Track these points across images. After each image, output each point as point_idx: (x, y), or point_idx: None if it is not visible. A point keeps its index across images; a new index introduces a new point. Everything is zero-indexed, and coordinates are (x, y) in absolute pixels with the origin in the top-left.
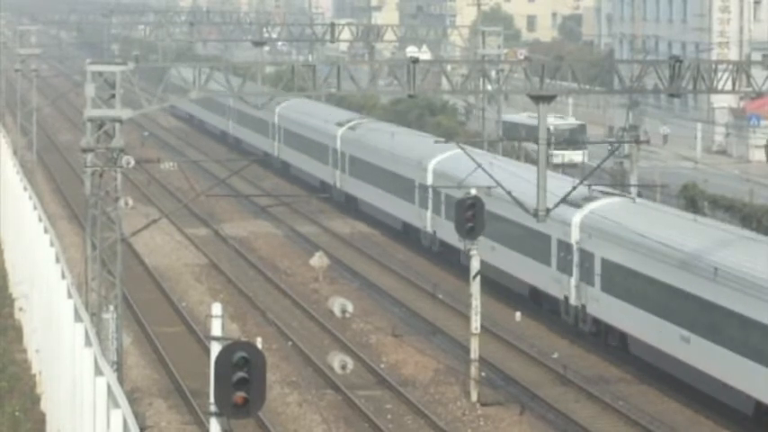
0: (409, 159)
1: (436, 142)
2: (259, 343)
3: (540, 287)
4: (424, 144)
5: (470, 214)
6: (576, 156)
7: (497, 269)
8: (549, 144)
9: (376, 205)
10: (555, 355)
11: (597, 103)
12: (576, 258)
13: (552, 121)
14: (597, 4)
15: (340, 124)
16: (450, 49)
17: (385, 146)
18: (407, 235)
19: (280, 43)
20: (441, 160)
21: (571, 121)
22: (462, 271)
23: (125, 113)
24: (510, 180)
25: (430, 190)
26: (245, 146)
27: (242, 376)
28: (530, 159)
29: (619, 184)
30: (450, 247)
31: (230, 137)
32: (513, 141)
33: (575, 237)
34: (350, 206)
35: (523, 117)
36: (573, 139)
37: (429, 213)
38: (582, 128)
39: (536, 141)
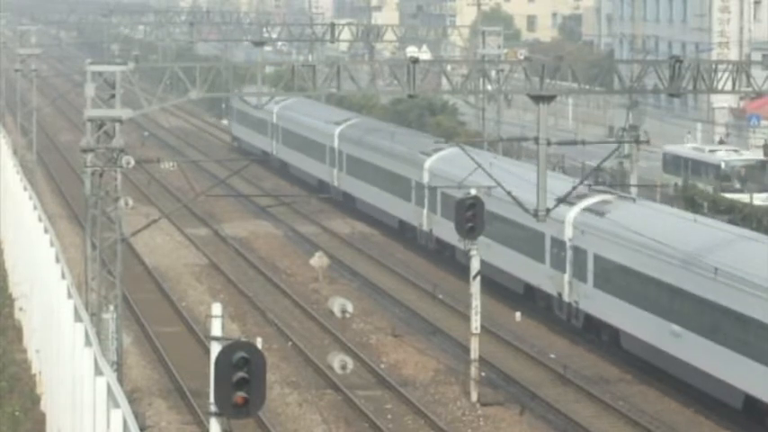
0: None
1: (436, 142)
2: (259, 343)
3: None
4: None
5: (470, 214)
6: (758, 200)
7: None
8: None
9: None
10: (552, 356)
11: (597, 103)
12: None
13: (723, 155)
14: (597, 4)
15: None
16: (450, 49)
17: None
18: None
19: (280, 43)
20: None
21: (747, 155)
22: (458, 268)
23: (125, 113)
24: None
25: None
26: (363, 206)
27: (242, 376)
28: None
29: (619, 184)
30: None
31: (334, 189)
32: (514, 141)
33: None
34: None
35: (687, 149)
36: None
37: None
38: (762, 164)
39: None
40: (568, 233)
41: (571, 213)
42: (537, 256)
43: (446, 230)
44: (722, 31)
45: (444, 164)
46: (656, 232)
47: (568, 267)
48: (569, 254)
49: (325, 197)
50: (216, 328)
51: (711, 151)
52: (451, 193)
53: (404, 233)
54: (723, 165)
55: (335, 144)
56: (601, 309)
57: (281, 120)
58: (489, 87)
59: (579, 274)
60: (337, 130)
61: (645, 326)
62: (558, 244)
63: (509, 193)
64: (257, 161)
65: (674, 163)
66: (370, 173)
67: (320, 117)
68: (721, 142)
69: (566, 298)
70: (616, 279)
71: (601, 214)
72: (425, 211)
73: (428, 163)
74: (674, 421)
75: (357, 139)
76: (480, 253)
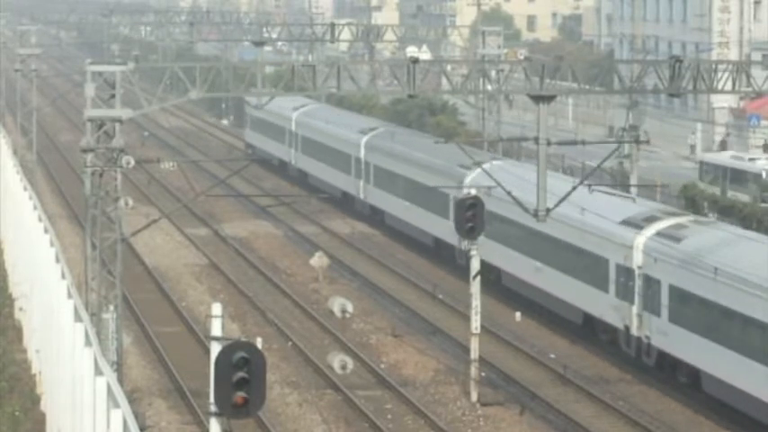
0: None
1: (436, 142)
2: (259, 343)
3: None
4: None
5: (470, 214)
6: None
7: None
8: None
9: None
10: (552, 356)
11: (597, 103)
12: None
13: (764, 164)
14: (597, 4)
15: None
16: (450, 49)
17: None
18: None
19: (280, 43)
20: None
21: None
22: (461, 270)
23: (125, 113)
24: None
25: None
26: (393, 221)
27: (242, 376)
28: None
29: (619, 184)
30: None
31: (360, 202)
32: (514, 141)
33: None
34: None
35: (726, 158)
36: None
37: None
38: None
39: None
40: (638, 260)
41: (640, 238)
42: (599, 284)
43: (491, 252)
44: (722, 31)
45: (487, 179)
46: (744, 261)
47: (637, 298)
48: (638, 283)
49: (324, 197)
50: (216, 328)
51: (752, 160)
52: (497, 210)
53: (440, 251)
54: (764, 174)
55: (362, 154)
56: (678, 346)
57: (300, 127)
58: (489, 87)
59: (651, 306)
60: (364, 139)
61: (733, 368)
62: (625, 272)
63: (510, 193)
64: (257, 161)
65: (711, 171)
66: (401, 186)
67: (344, 125)
68: (723, 143)
69: (634, 332)
70: (697, 314)
71: (677, 240)
72: None
73: (469, 178)
74: (674, 421)
75: (386, 149)
76: (533, 279)
